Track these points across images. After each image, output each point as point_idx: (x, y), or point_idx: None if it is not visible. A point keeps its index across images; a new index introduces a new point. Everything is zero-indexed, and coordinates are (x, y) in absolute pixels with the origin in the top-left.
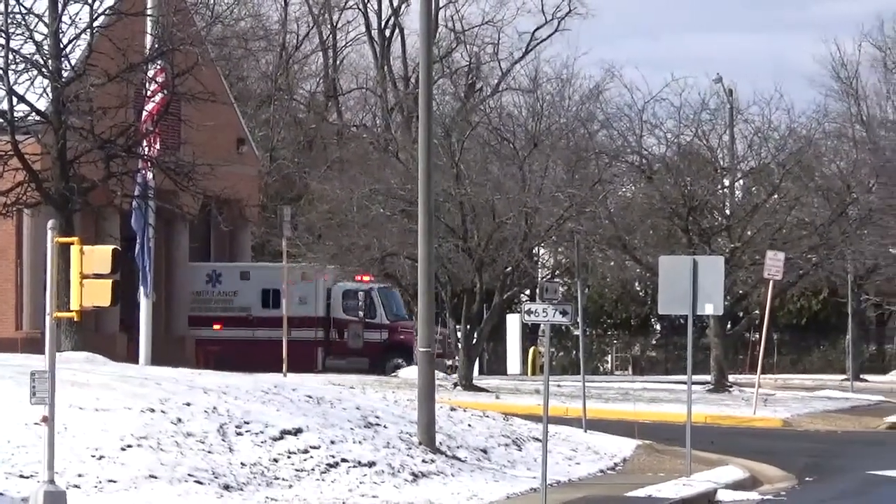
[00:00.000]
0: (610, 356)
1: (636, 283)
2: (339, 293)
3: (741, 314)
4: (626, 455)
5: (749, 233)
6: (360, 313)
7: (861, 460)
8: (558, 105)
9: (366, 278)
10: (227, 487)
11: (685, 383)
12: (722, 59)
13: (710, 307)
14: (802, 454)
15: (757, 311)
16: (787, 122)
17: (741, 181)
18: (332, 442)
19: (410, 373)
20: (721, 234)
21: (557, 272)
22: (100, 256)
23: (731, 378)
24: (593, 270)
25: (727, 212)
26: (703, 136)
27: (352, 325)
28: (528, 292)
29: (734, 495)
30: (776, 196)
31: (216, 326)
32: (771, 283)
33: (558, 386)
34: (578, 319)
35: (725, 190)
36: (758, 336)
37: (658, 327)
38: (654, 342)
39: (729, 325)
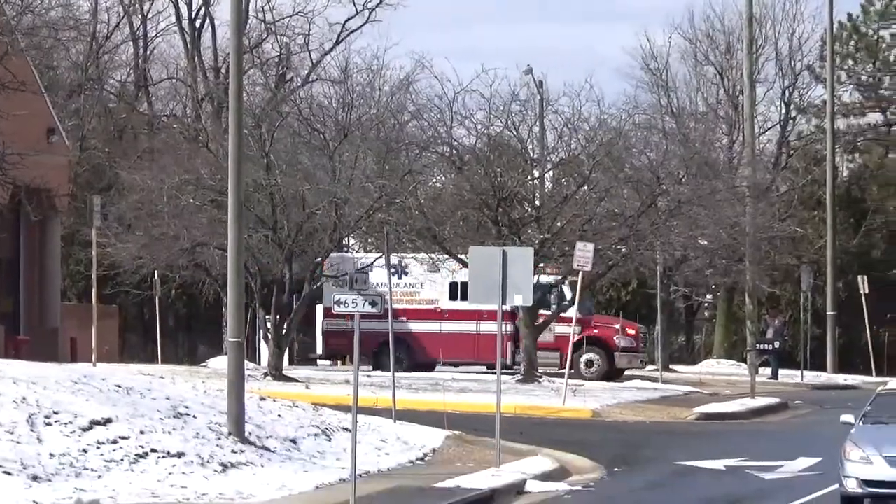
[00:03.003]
0: None
1: None
2: None
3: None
4: (435, 446)
5: (559, 224)
6: (553, 307)
7: (670, 451)
8: (369, 96)
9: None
10: (35, 478)
11: (495, 373)
12: (533, 51)
13: (520, 298)
14: (611, 445)
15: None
16: (598, 114)
17: (551, 172)
18: (142, 432)
19: (220, 363)
20: (531, 226)
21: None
22: None
23: (540, 369)
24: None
25: (537, 203)
26: (513, 128)
27: (543, 319)
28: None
29: (543, 486)
30: (586, 187)
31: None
32: (580, 273)
33: (367, 376)
34: (388, 309)
35: (535, 181)
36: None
37: None
38: None
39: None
